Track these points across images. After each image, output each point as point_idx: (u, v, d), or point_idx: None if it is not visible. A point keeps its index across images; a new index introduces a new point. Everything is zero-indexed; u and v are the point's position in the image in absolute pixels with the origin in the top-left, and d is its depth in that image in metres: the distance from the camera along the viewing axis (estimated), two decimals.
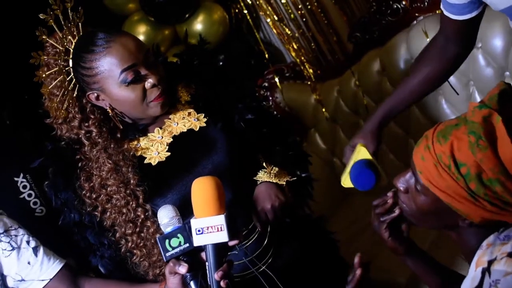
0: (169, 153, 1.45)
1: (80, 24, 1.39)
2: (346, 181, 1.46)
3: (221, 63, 3.17)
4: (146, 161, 1.45)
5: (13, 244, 1.40)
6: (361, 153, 1.44)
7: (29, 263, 1.40)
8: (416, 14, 2.44)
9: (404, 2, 2.48)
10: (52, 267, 1.43)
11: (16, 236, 1.42)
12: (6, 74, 2.69)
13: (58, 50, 1.38)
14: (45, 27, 1.38)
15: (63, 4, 1.36)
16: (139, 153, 1.46)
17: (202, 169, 1.44)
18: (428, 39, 2.30)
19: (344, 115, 2.83)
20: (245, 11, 3.13)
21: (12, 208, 1.59)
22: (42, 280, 1.41)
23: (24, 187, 2.25)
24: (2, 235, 1.40)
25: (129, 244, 1.43)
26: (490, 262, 0.96)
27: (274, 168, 1.50)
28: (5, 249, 1.39)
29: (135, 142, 1.47)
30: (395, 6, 2.53)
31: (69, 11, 1.37)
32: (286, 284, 1.42)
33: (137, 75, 1.35)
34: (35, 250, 1.42)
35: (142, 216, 1.41)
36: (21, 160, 2.32)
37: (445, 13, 1.36)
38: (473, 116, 0.93)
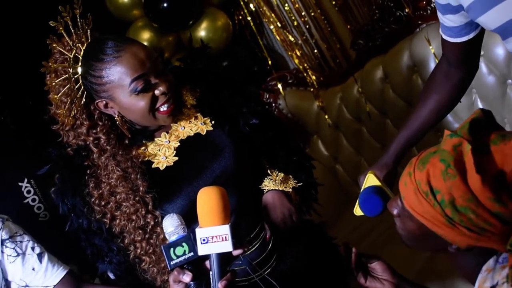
0: (176, 158, 1.44)
1: (88, 30, 1.39)
2: (357, 209, 1.46)
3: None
4: (154, 166, 1.44)
5: (18, 250, 1.41)
6: (370, 179, 1.43)
7: (33, 269, 1.41)
8: (419, 22, 2.44)
9: (407, 10, 2.49)
10: (56, 273, 1.44)
11: (21, 242, 1.43)
12: (10, 81, 2.71)
13: (66, 57, 1.38)
14: (52, 34, 1.38)
15: (72, 10, 1.36)
16: (146, 158, 1.45)
17: (211, 173, 1.44)
18: (431, 47, 2.31)
19: (347, 122, 2.84)
20: (249, 18, 3.15)
21: (16, 213, 1.60)
22: (46, 287, 1.42)
23: (28, 192, 2.26)
24: (7, 241, 1.40)
25: (138, 250, 1.42)
26: None
27: (279, 174, 1.51)
28: (10, 255, 1.40)
29: (143, 148, 1.47)
30: (398, 14, 2.54)
31: (78, 17, 1.37)
32: None
33: (147, 84, 1.35)
34: (40, 256, 1.43)
35: (152, 223, 1.40)
36: (25, 165, 2.34)
37: (444, 37, 1.35)
38: (444, 145, 0.95)
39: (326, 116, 2.91)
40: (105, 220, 1.42)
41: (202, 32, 3.08)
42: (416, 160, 1.01)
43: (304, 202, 1.59)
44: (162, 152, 1.45)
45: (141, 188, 1.40)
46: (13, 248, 1.41)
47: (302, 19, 3.01)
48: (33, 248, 1.44)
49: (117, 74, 1.34)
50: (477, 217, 0.92)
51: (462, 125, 0.96)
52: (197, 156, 1.46)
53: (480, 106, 2.29)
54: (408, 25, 2.50)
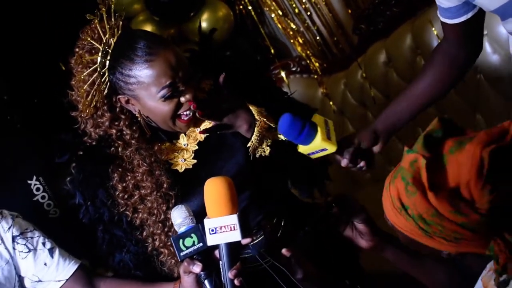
0: (195, 161, 1.45)
1: (121, 22, 1.37)
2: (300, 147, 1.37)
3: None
4: (173, 167, 1.44)
5: (29, 246, 1.42)
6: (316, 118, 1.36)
7: (45, 264, 1.43)
8: (421, 4, 2.43)
9: None
10: (68, 267, 1.45)
11: (32, 238, 1.44)
12: (17, 79, 2.72)
13: (95, 46, 1.35)
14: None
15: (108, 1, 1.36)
16: (165, 157, 1.45)
17: (226, 173, 1.42)
18: (433, 29, 2.29)
19: (352, 107, 2.84)
20: (250, 7, 3.14)
21: (26, 211, 1.61)
22: (59, 281, 1.43)
23: (38, 189, 2.27)
24: (18, 237, 1.42)
25: (156, 243, 1.42)
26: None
27: None
28: (22, 251, 1.41)
29: (163, 147, 1.46)
30: None
31: (112, 9, 1.36)
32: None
33: (176, 91, 1.34)
34: (51, 251, 1.44)
35: None
36: (34, 163, 2.35)
37: (442, 19, 1.34)
38: (403, 161, 0.95)
39: (331, 103, 2.90)
40: (127, 212, 1.42)
41: (203, 23, 3.07)
42: (392, 173, 1.02)
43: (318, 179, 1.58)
44: (181, 155, 1.45)
45: (164, 185, 1.40)
46: (25, 244, 1.42)
47: (303, 6, 2.99)
48: (44, 244, 1.45)
49: (146, 78, 1.32)
50: (445, 229, 0.92)
51: (417, 140, 0.96)
52: (215, 158, 1.46)
53: (486, 85, 2.28)
54: (410, 8, 2.49)
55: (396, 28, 2.52)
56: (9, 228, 1.42)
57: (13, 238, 1.41)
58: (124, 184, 1.41)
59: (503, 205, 0.89)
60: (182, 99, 1.34)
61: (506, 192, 0.88)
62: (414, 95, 1.45)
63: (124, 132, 1.41)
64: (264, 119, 1.38)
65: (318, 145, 1.31)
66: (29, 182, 2.24)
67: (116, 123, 1.41)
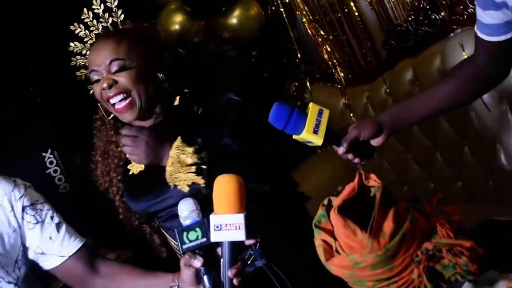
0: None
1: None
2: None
3: (253, 59, 3.17)
4: (129, 167, 1.61)
5: (37, 218, 1.43)
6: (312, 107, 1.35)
7: (50, 238, 1.43)
8: (454, 27, 2.40)
9: (443, 13, 2.45)
10: (72, 244, 1.45)
11: (41, 210, 1.45)
12: (41, 52, 2.75)
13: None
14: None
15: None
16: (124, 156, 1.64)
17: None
18: (464, 53, 2.27)
19: None
20: (282, 9, 3.13)
21: (37, 182, 1.62)
22: (62, 256, 1.44)
23: (51, 163, 2.29)
24: (28, 208, 1.42)
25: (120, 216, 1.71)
26: None
27: None
28: (30, 222, 1.42)
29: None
30: (433, 17, 2.50)
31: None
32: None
33: (99, 77, 1.52)
34: (58, 226, 1.45)
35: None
36: (51, 136, 2.37)
37: (479, 34, 1.30)
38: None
39: (351, 114, 2.88)
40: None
41: (234, 19, 3.08)
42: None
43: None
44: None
45: (112, 174, 1.67)
46: (33, 216, 1.42)
47: (336, 15, 2.98)
48: (52, 218, 1.45)
49: (88, 61, 1.57)
50: (367, 277, 1.03)
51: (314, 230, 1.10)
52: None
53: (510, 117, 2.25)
54: (443, 29, 2.46)
55: (426, 47, 2.49)
56: (21, 197, 1.42)
57: (23, 208, 1.41)
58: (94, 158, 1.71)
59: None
60: (101, 85, 1.50)
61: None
62: (432, 97, 1.41)
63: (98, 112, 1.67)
64: (181, 157, 1.44)
65: (304, 137, 1.31)
66: (43, 154, 2.26)
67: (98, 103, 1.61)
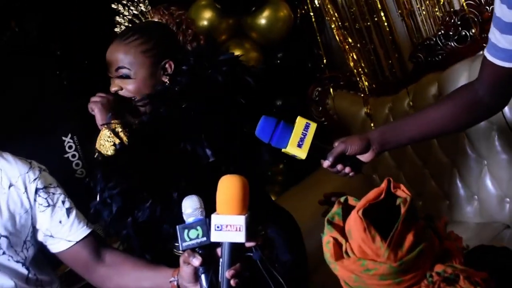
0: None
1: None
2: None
3: (278, 61, 3.17)
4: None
5: (49, 201, 1.45)
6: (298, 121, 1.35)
7: (60, 222, 1.45)
8: (484, 45, 2.36)
9: (473, 31, 2.42)
10: (81, 230, 1.47)
11: (53, 194, 1.47)
12: (71, 37, 2.79)
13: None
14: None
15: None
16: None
17: None
18: None
19: None
20: (311, 14, 3.13)
21: (55, 166, 1.64)
22: (69, 241, 1.46)
23: (70, 147, 2.32)
24: (41, 190, 1.45)
25: None
26: None
27: None
28: (41, 204, 1.44)
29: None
30: (464, 33, 2.47)
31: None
32: None
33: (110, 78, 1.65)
34: (68, 211, 1.47)
35: None
36: (72, 120, 2.40)
37: (490, 57, 1.26)
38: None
39: (372, 124, 2.86)
40: None
41: (262, 20, 3.08)
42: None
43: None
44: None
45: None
46: (45, 199, 1.45)
47: (365, 23, 2.96)
48: (63, 202, 1.48)
49: None
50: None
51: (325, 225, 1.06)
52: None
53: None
54: (472, 46, 2.43)
55: (453, 63, 2.46)
56: (35, 179, 1.45)
57: (36, 190, 1.44)
58: None
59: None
60: (110, 87, 1.65)
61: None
62: (423, 121, 1.39)
63: None
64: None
65: (288, 151, 1.32)
66: (63, 138, 2.29)
67: None
